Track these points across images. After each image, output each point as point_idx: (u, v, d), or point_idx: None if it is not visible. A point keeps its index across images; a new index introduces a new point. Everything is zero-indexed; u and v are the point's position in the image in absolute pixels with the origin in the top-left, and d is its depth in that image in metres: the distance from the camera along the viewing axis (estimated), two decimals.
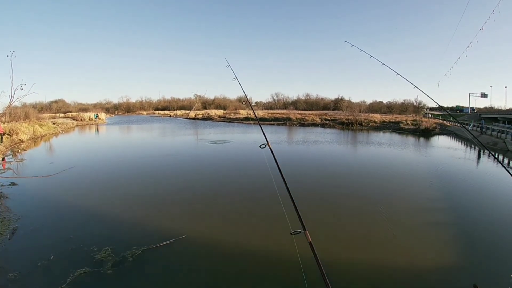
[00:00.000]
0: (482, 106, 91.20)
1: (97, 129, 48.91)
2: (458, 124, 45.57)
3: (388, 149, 25.57)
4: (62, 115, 75.36)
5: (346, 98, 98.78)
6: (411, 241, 8.15)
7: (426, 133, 39.08)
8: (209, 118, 73.21)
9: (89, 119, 64.22)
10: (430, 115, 65.93)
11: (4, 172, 15.53)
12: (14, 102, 10.24)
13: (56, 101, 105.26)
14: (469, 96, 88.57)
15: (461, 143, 30.39)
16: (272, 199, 11.46)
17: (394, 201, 11.50)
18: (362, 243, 7.95)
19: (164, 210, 10.30)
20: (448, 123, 47.96)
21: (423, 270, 6.68)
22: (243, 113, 72.83)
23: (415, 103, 74.69)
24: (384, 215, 9.85)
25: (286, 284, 6.10)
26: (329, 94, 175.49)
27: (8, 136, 28.13)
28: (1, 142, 24.79)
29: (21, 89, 10.31)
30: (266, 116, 63.63)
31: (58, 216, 9.53)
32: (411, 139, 34.03)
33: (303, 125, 53.39)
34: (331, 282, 1.93)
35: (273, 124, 54.77)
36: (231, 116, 70.48)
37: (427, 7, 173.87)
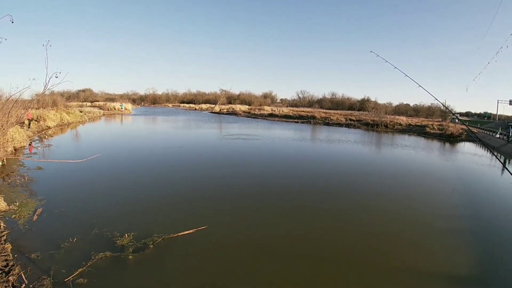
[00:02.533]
0: (511, 114, 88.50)
1: (122, 119, 49.68)
2: (485, 131, 44.53)
3: (413, 153, 25.05)
4: (89, 104, 76.88)
5: (373, 99, 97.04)
6: (431, 247, 7.96)
7: (452, 139, 38.05)
8: (233, 113, 73.41)
9: (115, 109, 65.16)
10: (457, 120, 64.49)
11: (30, 157, 15.94)
12: (48, 89, 10.40)
13: (83, 90, 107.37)
14: (498, 103, 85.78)
15: (487, 150, 29.50)
16: (294, 196, 11.47)
17: (415, 205, 11.23)
18: (380, 245, 7.81)
19: (186, 200, 10.35)
20: (475, 130, 46.74)
21: (443, 276, 6.51)
22: (267, 109, 72.74)
23: (442, 107, 73.12)
24: (404, 218, 9.70)
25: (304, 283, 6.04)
26: (356, 94, 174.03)
27: (36, 122, 28.88)
28: (29, 128, 25.49)
29: (56, 77, 10.44)
30: (290, 114, 63.30)
31: (82, 201, 9.71)
32: (436, 144, 33.25)
33: (327, 124, 52.80)
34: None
35: (297, 122, 54.50)
36: (256, 112, 70.41)
37: (458, 12, 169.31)
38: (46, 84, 10.92)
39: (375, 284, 6.05)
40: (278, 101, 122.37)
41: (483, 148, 30.80)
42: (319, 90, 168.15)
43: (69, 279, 5.45)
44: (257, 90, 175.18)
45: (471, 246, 8.16)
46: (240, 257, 6.82)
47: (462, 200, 12.34)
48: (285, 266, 6.49)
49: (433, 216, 10.11)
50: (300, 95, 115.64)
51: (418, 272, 6.60)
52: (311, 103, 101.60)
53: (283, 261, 6.73)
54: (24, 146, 18.37)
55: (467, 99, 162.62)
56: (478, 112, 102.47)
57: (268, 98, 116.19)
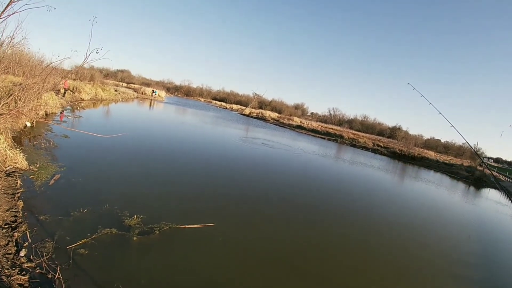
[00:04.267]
0: None
1: (154, 104, 50.49)
2: None
3: (435, 189, 24.47)
4: (125, 84, 78.46)
5: (404, 128, 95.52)
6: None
7: (478, 183, 36.83)
8: (262, 118, 73.55)
9: (149, 94, 66.17)
10: (486, 165, 62.64)
11: (60, 124, 16.34)
12: (86, 63, 10.68)
13: (122, 71, 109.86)
14: None
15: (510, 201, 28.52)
16: (307, 210, 11.33)
17: (429, 247, 10.88)
18: (382, 277, 7.60)
19: (198, 194, 10.35)
20: (502, 178, 45.25)
21: None
22: (296, 120, 72.65)
23: (473, 149, 71.19)
24: (413, 255, 9.43)
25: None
26: (388, 120, 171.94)
27: (71, 93, 29.67)
28: (63, 97, 26.17)
29: (97, 53, 10.70)
30: (318, 129, 62.96)
31: (100, 175, 9.82)
32: (461, 185, 32.31)
33: (354, 145, 52.10)
34: None
35: (324, 138, 54.01)
36: (284, 121, 70.32)
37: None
38: (86, 57, 11.20)
39: None
40: (308, 114, 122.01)
41: (508, 198, 29.77)
42: (351, 110, 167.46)
43: (71, 247, 5.49)
44: (290, 99, 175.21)
45: None
46: (244, 260, 6.73)
47: (476, 248, 11.87)
48: (289, 276, 6.38)
49: (443, 259, 9.76)
50: (332, 112, 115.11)
51: None
52: (341, 121, 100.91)
53: (288, 271, 6.62)
54: (55, 113, 18.86)
55: (501, 144, 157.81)
56: (509, 159, 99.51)
57: (299, 110, 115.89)
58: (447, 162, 47.57)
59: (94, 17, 9.99)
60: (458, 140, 79.43)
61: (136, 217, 7.24)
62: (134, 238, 6.37)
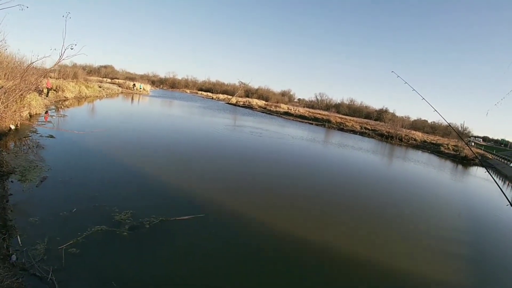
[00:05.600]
0: None
1: (139, 98, 50.15)
2: (500, 159, 43.76)
3: (424, 169, 24.87)
4: (109, 80, 77.49)
5: (391, 110, 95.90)
6: (428, 271, 7.88)
7: (465, 161, 37.41)
8: (249, 107, 73.47)
9: (133, 89, 65.32)
10: (473, 144, 63.37)
11: (45, 124, 16.18)
12: (62, 59, 10.67)
13: (105, 66, 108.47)
14: None
15: (500, 178, 29.01)
16: (296, 195, 11.46)
17: (419, 224, 11.12)
18: (376, 258, 7.76)
19: (187, 185, 10.43)
20: (489, 156, 45.94)
21: None
22: (283, 107, 72.58)
23: (460, 128, 72.04)
24: (404, 234, 9.67)
25: (299, 270, 6.05)
26: (375, 103, 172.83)
27: (54, 92, 29.31)
28: (47, 96, 25.84)
29: (71, 49, 10.66)
30: (306, 114, 63.09)
31: (88, 174, 9.80)
32: (449, 164, 32.86)
33: (341, 129, 52.51)
34: None
35: (312, 124, 54.36)
36: (272, 109, 70.32)
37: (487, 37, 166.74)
38: (61, 54, 11.12)
39: None
40: (295, 100, 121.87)
41: (496, 175, 30.26)
42: (338, 94, 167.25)
43: (62, 247, 5.52)
44: (276, 87, 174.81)
45: (467, 271, 8.09)
46: (236, 249, 6.84)
47: (468, 226, 12.10)
48: (279, 265, 6.48)
49: (432, 236, 10.01)
50: (318, 97, 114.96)
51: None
52: (328, 106, 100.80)
53: (280, 258, 6.75)
54: (39, 114, 18.63)
55: (487, 123, 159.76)
56: (496, 138, 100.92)
57: (286, 96, 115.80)
58: (435, 142, 48.01)
59: (67, 13, 9.88)
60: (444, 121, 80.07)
61: (126, 212, 7.30)
62: (125, 233, 6.43)
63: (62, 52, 10.38)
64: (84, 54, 12.52)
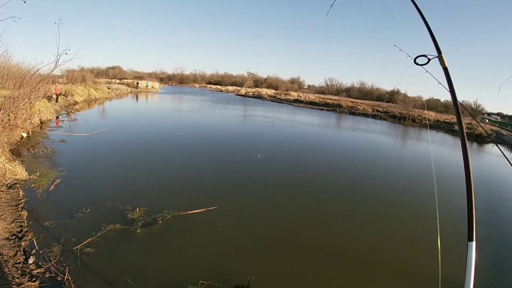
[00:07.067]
0: None
1: (149, 97, 50.49)
2: None
3: (438, 149, 24.66)
4: (117, 81, 77.92)
5: (402, 91, 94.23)
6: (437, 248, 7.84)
7: (479, 139, 36.66)
8: (259, 97, 73.47)
9: (142, 87, 65.55)
10: (487, 121, 62.26)
11: (56, 130, 16.47)
12: (58, 65, 10.91)
13: (113, 68, 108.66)
14: None
15: None
16: (308, 185, 11.45)
17: (433, 202, 10.97)
18: (384, 243, 7.77)
19: (199, 180, 10.53)
20: (504, 132, 44.95)
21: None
22: (293, 94, 72.33)
23: (473, 106, 70.67)
24: (417, 212, 9.66)
25: (304, 265, 6.11)
26: (386, 85, 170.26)
27: (64, 97, 29.70)
28: (57, 102, 26.23)
29: (66, 54, 10.87)
30: (316, 101, 62.73)
31: (101, 174, 10.03)
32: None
33: (353, 113, 51.93)
34: None
35: (323, 109, 54.05)
36: (281, 97, 70.23)
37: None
38: (56, 61, 11.29)
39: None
40: (305, 87, 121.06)
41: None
42: (348, 78, 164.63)
43: (78, 247, 5.70)
44: (285, 75, 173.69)
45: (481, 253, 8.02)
46: (249, 239, 6.95)
47: (482, 205, 11.87)
48: (292, 254, 6.54)
49: (451, 218, 9.86)
50: (328, 83, 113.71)
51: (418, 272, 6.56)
52: (338, 91, 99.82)
53: (291, 249, 6.77)
54: (50, 120, 18.93)
55: (500, 99, 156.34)
56: (510, 114, 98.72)
57: (295, 84, 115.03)
58: (448, 121, 47.12)
59: (59, 19, 10.00)
60: (458, 98, 78.70)
61: (139, 210, 7.47)
62: (138, 231, 6.58)
63: (57, 59, 10.58)
64: (79, 58, 12.75)
